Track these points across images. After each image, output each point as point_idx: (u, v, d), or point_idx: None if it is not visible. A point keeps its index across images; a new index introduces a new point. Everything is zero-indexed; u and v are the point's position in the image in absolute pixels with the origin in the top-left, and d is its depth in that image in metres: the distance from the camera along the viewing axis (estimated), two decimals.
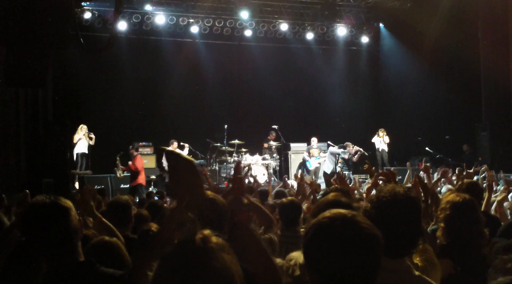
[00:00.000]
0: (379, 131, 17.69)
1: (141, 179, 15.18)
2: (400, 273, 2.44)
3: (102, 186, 13.82)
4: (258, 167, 16.27)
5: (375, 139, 17.75)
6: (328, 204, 3.01)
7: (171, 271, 1.63)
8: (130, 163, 15.23)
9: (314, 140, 17.35)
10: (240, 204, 2.19)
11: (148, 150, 16.79)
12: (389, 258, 2.39)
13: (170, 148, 2.47)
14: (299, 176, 7.84)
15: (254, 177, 10.36)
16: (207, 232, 1.73)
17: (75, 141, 15.49)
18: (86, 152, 15.75)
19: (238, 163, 3.08)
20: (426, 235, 3.55)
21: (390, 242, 2.41)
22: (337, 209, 2.02)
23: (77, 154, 15.62)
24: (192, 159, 2.42)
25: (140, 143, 17.05)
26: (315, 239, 1.93)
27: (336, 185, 5.19)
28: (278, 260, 3.32)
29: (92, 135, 15.94)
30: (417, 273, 2.52)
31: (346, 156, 16.75)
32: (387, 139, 17.59)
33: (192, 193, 2.35)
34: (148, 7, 17.55)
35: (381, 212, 2.47)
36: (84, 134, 15.71)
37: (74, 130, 15.62)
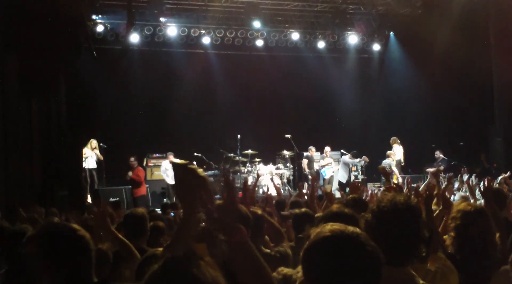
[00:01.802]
0: (391, 141, 17.48)
1: (143, 190, 15.29)
2: (404, 282, 2.43)
3: (117, 198, 13.87)
4: (274, 177, 16.20)
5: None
6: (332, 216, 3.00)
7: None
8: (130, 173, 15.23)
9: (327, 149, 17.29)
10: (231, 221, 2.18)
11: (161, 161, 16.84)
12: (392, 267, 2.38)
13: (177, 161, 2.53)
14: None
15: (276, 186, 10.31)
16: (194, 249, 1.77)
17: (84, 156, 15.36)
18: (96, 166, 15.70)
19: (227, 176, 3.10)
20: (438, 243, 3.52)
21: (392, 251, 2.41)
22: (338, 223, 2.01)
23: (87, 169, 15.48)
24: (203, 175, 2.42)
25: (154, 155, 17.11)
26: (315, 255, 1.92)
27: (354, 195, 5.16)
28: (287, 270, 3.31)
29: (96, 148, 15.73)
30: (421, 282, 2.51)
31: (362, 164, 16.73)
32: (395, 149, 17.28)
33: (200, 205, 2.37)
34: (160, 19, 17.66)
35: (381, 221, 2.47)
36: (93, 149, 15.64)
37: (87, 141, 15.68)
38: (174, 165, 2.58)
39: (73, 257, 2.60)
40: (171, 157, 16.05)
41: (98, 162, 15.86)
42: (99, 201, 10.25)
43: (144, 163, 16.94)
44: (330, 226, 1.96)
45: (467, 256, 3.54)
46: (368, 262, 1.87)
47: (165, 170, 16.15)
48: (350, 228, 1.95)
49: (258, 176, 13.00)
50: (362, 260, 1.86)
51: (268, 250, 4.07)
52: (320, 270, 1.88)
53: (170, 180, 15.67)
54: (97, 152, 15.70)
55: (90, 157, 15.49)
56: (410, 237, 2.49)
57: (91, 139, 15.65)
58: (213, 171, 17.01)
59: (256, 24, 18.16)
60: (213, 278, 1.66)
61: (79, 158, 14.75)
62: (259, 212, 4.07)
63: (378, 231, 2.45)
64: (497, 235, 3.80)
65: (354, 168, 17.67)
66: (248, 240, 2.12)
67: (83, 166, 15.14)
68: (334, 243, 1.89)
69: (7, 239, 4.50)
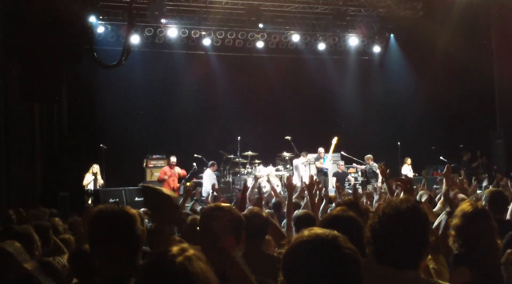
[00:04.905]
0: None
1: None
2: (408, 281, 2.44)
3: (117, 199, 13.87)
4: (272, 178, 16.18)
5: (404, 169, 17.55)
6: (333, 219, 3.01)
7: (152, 278, 1.71)
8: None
9: (321, 150, 17.16)
10: (226, 227, 2.23)
11: (161, 163, 16.86)
12: (395, 269, 2.40)
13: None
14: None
15: (259, 188, 10.27)
16: (184, 244, 1.81)
17: (85, 182, 15.15)
18: (95, 187, 15.54)
19: (245, 184, 3.18)
20: (440, 246, 3.53)
21: (396, 254, 2.42)
22: (339, 226, 2.02)
23: (87, 190, 15.27)
24: (170, 193, 2.58)
25: (154, 156, 17.11)
26: (293, 259, 1.93)
27: (349, 197, 5.17)
28: None
29: (98, 174, 15.57)
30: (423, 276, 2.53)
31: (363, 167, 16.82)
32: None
33: (171, 222, 2.51)
34: (160, 21, 17.67)
35: (385, 226, 2.47)
36: (94, 174, 15.53)
37: (88, 145, 15.65)
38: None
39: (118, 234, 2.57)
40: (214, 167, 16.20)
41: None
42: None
43: (144, 164, 16.96)
44: (307, 231, 1.97)
45: (471, 255, 3.55)
46: (346, 265, 1.87)
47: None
48: (327, 232, 1.95)
49: (257, 178, 13.00)
50: (339, 263, 1.86)
51: (270, 252, 4.07)
52: (298, 275, 1.89)
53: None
54: (99, 177, 15.53)
55: (92, 182, 15.34)
56: (414, 241, 2.48)
57: (93, 165, 15.48)
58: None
59: (260, 25, 18.14)
60: (203, 271, 1.72)
61: (80, 160, 14.73)
62: (264, 215, 4.08)
63: (382, 235, 2.46)
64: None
65: (353, 170, 17.65)
66: (234, 248, 2.16)
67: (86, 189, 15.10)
68: (310, 247, 1.90)
69: None
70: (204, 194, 15.01)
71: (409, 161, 17.46)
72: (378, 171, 16.20)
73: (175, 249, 1.77)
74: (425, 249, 2.54)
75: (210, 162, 16.27)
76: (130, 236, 2.56)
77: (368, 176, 16.77)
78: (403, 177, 5.36)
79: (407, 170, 17.43)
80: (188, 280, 1.69)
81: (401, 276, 2.41)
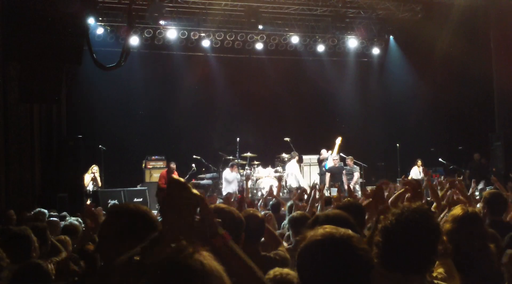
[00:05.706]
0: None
1: None
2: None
3: (116, 201, 13.85)
4: (271, 179, 16.21)
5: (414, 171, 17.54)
6: (325, 219, 3.01)
7: (169, 274, 1.68)
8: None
9: (323, 152, 17.14)
10: (214, 226, 2.17)
11: (160, 164, 16.84)
12: (402, 274, 2.41)
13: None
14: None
15: (271, 187, 10.26)
16: (196, 244, 1.78)
17: (86, 183, 15.06)
18: (94, 189, 15.43)
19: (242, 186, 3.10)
20: (447, 250, 3.54)
21: (405, 261, 2.43)
22: (331, 225, 2.03)
23: (86, 190, 15.11)
24: (198, 195, 2.23)
25: (153, 157, 17.10)
26: (307, 258, 1.96)
27: (348, 199, 5.17)
28: (287, 270, 3.31)
29: (97, 175, 15.51)
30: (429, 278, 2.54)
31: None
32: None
33: (182, 223, 2.23)
34: (160, 22, 17.67)
35: (396, 234, 2.49)
36: (95, 174, 15.46)
37: (87, 146, 15.64)
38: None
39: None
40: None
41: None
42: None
43: (143, 165, 16.95)
44: (322, 229, 1.99)
45: (460, 259, 3.55)
46: (358, 265, 1.89)
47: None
48: (342, 231, 1.97)
49: (247, 179, 12.86)
50: (352, 263, 1.89)
51: (267, 253, 4.07)
52: (312, 273, 1.92)
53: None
54: (98, 179, 15.51)
55: (90, 183, 15.31)
56: (424, 248, 2.50)
57: (92, 166, 15.46)
58: (211, 174, 17.03)
59: (260, 27, 18.12)
60: (218, 270, 1.71)
61: (79, 161, 14.72)
62: (260, 215, 4.07)
63: (393, 242, 2.48)
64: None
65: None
66: (230, 243, 2.11)
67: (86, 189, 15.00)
68: (325, 247, 1.92)
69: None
70: (224, 193, 15.00)
71: (419, 162, 17.42)
72: (355, 173, 16.32)
73: (188, 248, 1.75)
74: (434, 257, 2.56)
75: (231, 163, 16.19)
76: (146, 234, 2.49)
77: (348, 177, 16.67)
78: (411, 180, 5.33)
79: (416, 171, 17.40)
80: (206, 277, 1.67)
81: (407, 280, 2.43)
